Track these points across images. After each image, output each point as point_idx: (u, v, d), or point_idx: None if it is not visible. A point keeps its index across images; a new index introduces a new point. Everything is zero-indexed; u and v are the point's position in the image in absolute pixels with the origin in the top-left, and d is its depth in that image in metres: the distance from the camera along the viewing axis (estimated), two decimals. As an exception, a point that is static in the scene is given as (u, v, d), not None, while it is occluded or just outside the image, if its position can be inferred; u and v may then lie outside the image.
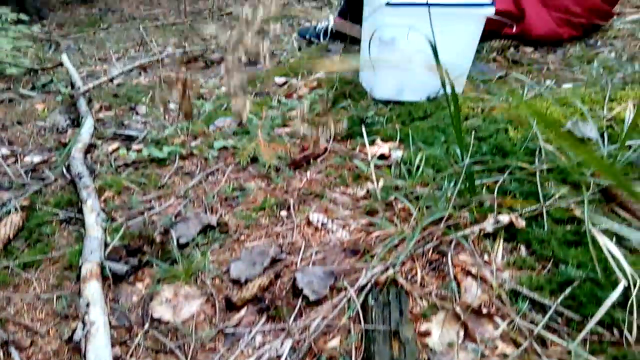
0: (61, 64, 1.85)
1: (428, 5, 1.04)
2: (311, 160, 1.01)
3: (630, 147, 0.79)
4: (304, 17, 2.95)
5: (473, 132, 0.89)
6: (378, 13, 1.08)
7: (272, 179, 0.96)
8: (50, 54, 3.72)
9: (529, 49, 1.46)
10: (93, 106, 1.46)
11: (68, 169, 1.06)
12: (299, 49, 2.02)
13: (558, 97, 1.00)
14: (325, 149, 1.04)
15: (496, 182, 0.76)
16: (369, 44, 1.11)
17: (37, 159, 1.19)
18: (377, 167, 0.93)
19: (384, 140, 1.01)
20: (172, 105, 1.48)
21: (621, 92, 0.98)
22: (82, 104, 1.37)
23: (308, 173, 0.97)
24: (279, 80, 1.51)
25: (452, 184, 0.77)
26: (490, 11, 1.07)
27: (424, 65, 1.11)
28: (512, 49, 1.46)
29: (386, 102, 1.19)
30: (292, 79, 1.52)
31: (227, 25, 3.78)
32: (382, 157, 0.97)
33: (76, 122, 1.36)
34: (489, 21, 1.42)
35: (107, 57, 2.91)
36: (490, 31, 1.43)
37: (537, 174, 0.75)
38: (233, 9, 4.49)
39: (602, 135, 0.83)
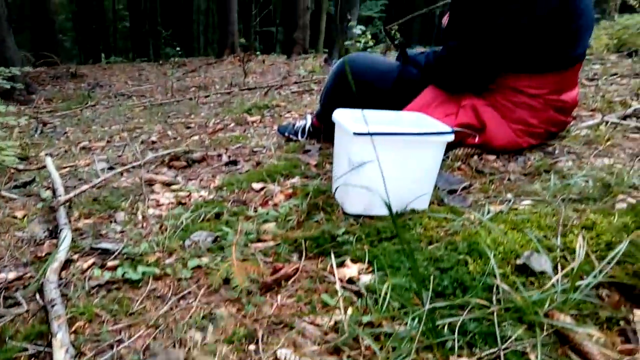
0: (44, 166, 1.89)
1: (383, 134, 1.12)
2: (282, 282, 1.03)
3: (583, 277, 0.83)
4: (284, 109, 3.08)
5: (435, 262, 0.93)
6: (347, 140, 1.16)
7: (244, 304, 0.97)
8: (37, 137, 3.80)
9: (491, 157, 1.55)
10: (72, 214, 1.48)
11: (41, 291, 1.06)
12: (277, 146, 2.11)
13: (516, 221, 1.05)
14: (297, 269, 1.07)
15: (457, 320, 0.79)
16: (340, 164, 1.18)
17: (12, 275, 1.19)
18: (346, 289, 0.96)
19: (354, 261, 1.05)
20: (150, 211, 1.51)
21: (574, 216, 1.04)
22: (62, 215, 1.39)
23: (279, 297, 0.99)
24: (256, 185, 1.56)
25: (415, 321, 0.80)
26: (450, 138, 1.15)
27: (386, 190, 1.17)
28: (475, 157, 1.55)
29: (357, 217, 1.24)
30: (269, 184, 1.57)
31: (211, 109, 3.92)
32: (351, 280, 1.00)
33: (54, 234, 1.38)
34: (454, 134, 1.51)
35: (92, 145, 2.98)
36: (455, 142, 1.52)
37: (495, 313, 0.78)
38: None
39: (556, 268, 0.87)
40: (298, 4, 8.54)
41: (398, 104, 1.58)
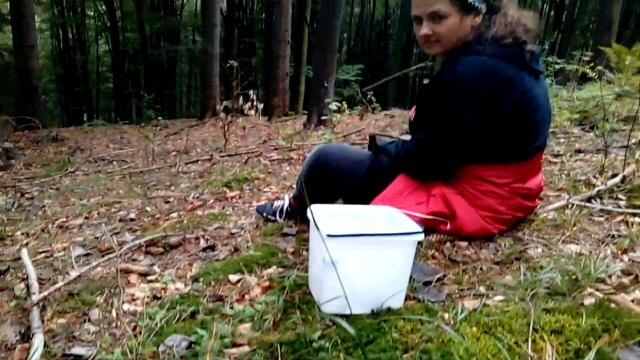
0: (19, 258, 1.87)
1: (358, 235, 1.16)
2: (258, 396, 1.02)
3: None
4: (263, 182, 3.13)
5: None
6: (321, 242, 1.18)
7: (218, 423, 0.95)
8: (14, 211, 3.74)
9: (463, 244, 1.59)
10: (46, 313, 1.45)
11: (7, 411, 1.03)
12: (256, 227, 2.13)
13: (488, 323, 1.07)
14: (273, 380, 1.06)
15: None
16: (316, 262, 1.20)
17: (-23, 388, 1.15)
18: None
19: (330, 370, 1.05)
20: (125, 306, 1.49)
21: (544, 318, 1.07)
22: (35, 316, 1.37)
23: (254, 414, 0.97)
24: (233, 277, 1.56)
25: None
26: (420, 237, 1.19)
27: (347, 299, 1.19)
28: (448, 244, 1.59)
29: (333, 315, 1.24)
30: (245, 274, 1.57)
31: (191, 180, 3.94)
32: (327, 392, 0.99)
33: (26, 337, 1.34)
34: (425, 222, 1.56)
35: (69, 222, 2.95)
36: (428, 229, 1.56)
37: None
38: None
39: (526, 380, 0.89)
40: (278, 71, 8.86)
41: (371, 193, 1.63)
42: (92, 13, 21.88)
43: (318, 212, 1.33)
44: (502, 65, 1.42)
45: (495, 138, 1.48)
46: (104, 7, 19.32)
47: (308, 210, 1.32)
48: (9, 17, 10.39)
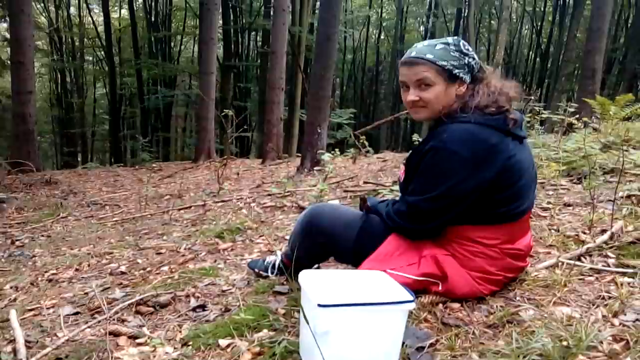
0: (8, 319, 1.84)
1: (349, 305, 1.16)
2: None
3: None
4: (256, 232, 3.13)
5: None
6: (312, 308, 1.18)
7: None
8: (4, 261, 3.70)
9: (456, 305, 1.59)
10: (30, 381, 1.42)
11: None
12: (247, 283, 2.11)
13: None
14: None
15: None
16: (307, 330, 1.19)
17: None
18: None
19: None
20: (113, 373, 1.46)
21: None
22: (18, 386, 1.34)
23: None
24: (223, 342, 1.54)
25: None
26: (412, 306, 1.20)
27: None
28: (440, 305, 1.58)
29: (324, 386, 1.22)
30: (235, 339, 1.55)
31: (184, 228, 3.93)
32: None
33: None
34: (417, 283, 1.57)
35: (59, 275, 2.92)
36: (419, 290, 1.57)
37: None
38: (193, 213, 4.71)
39: None
40: (272, 116, 9.03)
41: (363, 253, 1.64)
42: (91, 58, 22.37)
43: (309, 279, 1.34)
44: (486, 132, 1.47)
45: (481, 202, 1.51)
46: (103, 53, 19.77)
47: (299, 276, 1.33)
48: (9, 62, 10.57)
